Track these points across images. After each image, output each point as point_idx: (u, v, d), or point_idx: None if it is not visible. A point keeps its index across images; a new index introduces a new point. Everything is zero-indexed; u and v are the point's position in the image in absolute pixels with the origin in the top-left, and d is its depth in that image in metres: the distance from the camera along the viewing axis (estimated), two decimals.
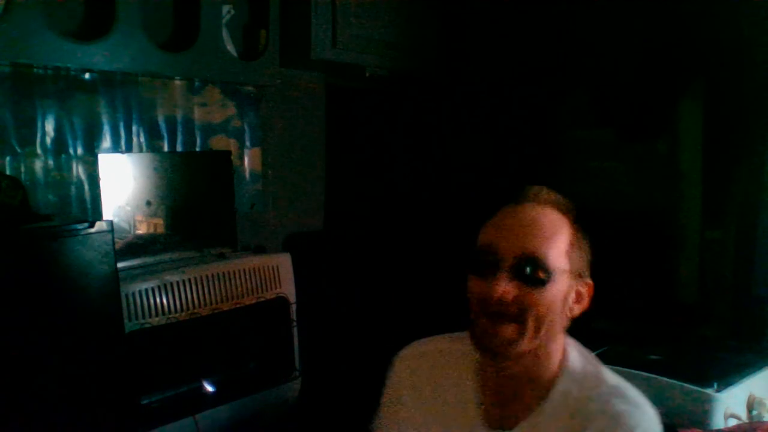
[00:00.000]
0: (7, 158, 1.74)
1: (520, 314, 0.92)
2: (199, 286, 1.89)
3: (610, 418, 0.93)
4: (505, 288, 0.92)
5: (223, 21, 2.19)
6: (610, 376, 0.99)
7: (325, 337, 2.40)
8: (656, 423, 0.95)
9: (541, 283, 0.92)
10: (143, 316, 1.75)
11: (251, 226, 2.35)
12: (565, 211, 0.99)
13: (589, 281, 1.01)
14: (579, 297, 0.99)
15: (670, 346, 2.08)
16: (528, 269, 0.92)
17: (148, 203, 2.01)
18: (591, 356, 1.03)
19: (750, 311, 2.10)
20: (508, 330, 0.93)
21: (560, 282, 0.94)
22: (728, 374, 1.78)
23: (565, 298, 0.96)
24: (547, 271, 0.93)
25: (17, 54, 1.67)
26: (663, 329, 2.22)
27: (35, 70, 1.77)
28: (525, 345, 0.94)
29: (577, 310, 1.00)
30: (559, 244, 0.95)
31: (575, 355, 1.01)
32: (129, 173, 1.96)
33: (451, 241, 2.54)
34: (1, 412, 1.33)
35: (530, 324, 0.93)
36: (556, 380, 0.98)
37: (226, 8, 2.20)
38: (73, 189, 1.88)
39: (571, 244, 0.97)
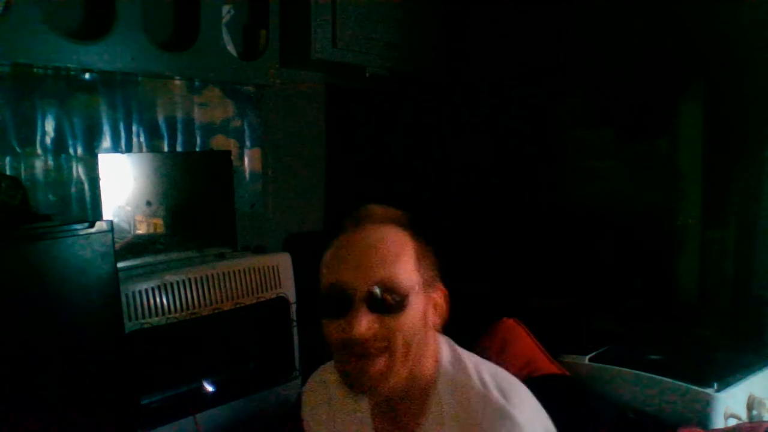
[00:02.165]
0: (7, 158, 1.74)
1: (386, 347, 0.89)
2: (199, 286, 1.89)
3: (492, 412, 0.91)
4: (366, 324, 0.88)
5: (223, 21, 2.19)
6: (476, 381, 0.96)
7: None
8: (534, 409, 0.95)
9: (400, 308, 0.90)
10: (143, 316, 1.75)
11: (251, 226, 2.34)
12: (404, 225, 0.97)
13: (442, 288, 0.99)
14: (437, 307, 0.98)
15: (670, 346, 2.08)
16: (384, 298, 0.89)
17: (148, 203, 2.01)
18: (459, 356, 1.00)
19: (750, 311, 2.10)
20: (377, 365, 0.89)
21: (417, 301, 0.92)
22: (728, 374, 1.78)
23: (425, 314, 0.94)
24: (403, 295, 0.90)
25: (17, 54, 1.67)
26: (663, 329, 2.22)
27: (35, 70, 1.77)
28: (397, 375, 0.91)
29: (439, 319, 0.98)
30: (407, 262, 0.92)
31: (447, 360, 0.99)
32: (129, 173, 1.96)
33: (451, 240, 2.54)
34: (1, 412, 1.33)
35: (398, 354, 0.90)
36: (432, 390, 0.97)
37: (226, 8, 2.20)
38: (73, 189, 1.88)
39: (418, 259, 0.95)
